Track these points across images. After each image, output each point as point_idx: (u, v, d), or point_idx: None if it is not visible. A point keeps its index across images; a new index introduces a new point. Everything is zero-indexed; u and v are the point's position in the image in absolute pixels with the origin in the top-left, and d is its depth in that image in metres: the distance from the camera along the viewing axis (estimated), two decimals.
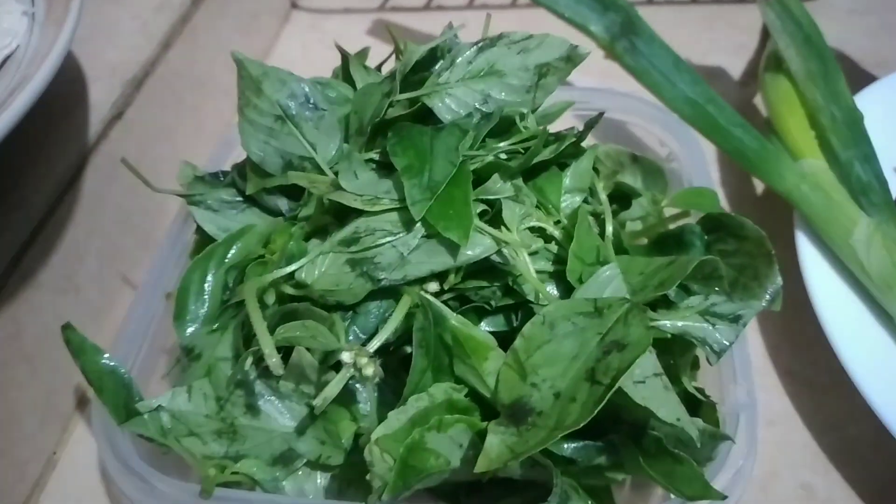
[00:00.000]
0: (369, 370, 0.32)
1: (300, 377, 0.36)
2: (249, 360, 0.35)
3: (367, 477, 0.31)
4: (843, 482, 0.41)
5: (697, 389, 0.38)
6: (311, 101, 0.42)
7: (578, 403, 0.32)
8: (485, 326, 0.38)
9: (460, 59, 0.41)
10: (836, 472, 0.42)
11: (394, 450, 0.32)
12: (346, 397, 0.36)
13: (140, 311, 0.41)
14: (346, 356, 0.32)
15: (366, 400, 0.36)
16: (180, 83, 0.58)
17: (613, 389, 0.31)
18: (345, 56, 0.47)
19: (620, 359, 0.32)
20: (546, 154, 0.40)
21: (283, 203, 0.43)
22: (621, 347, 0.32)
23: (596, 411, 0.31)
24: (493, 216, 0.38)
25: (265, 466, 0.36)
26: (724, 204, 0.57)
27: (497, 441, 0.32)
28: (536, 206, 0.40)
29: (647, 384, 0.32)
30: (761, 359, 0.47)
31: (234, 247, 0.41)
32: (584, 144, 0.41)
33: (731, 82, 0.68)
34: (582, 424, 0.31)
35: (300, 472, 0.37)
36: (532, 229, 0.39)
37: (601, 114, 0.40)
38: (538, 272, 0.38)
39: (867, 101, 0.57)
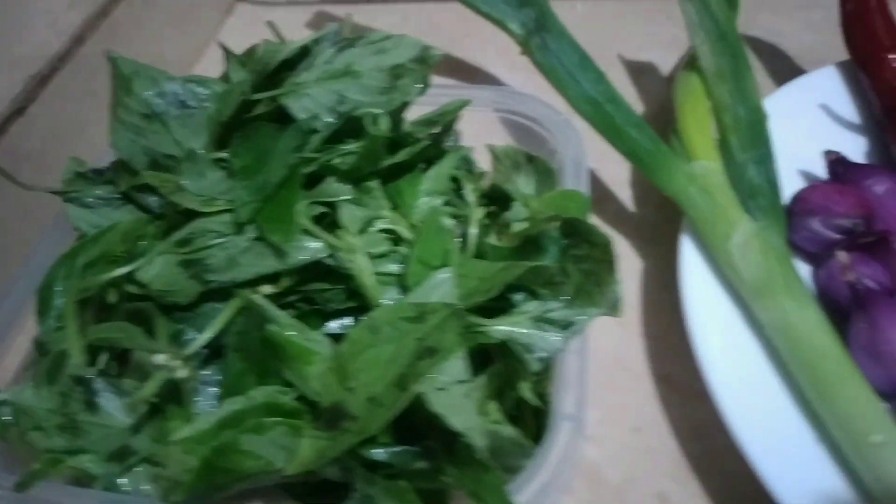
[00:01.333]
0: (182, 373, 0.32)
1: (142, 375, 0.36)
2: (82, 358, 0.35)
3: (157, 477, 0.32)
4: (700, 492, 0.41)
5: (540, 396, 0.37)
6: (181, 99, 0.42)
7: (386, 409, 0.32)
8: (333, 329, 0.38)
9: (319, 59, 0.41)
10: (695, 481, 0.41)
11: (198, 451, 0.32)
12: (182, 396, 0.36)
13: (8, 306, 0.42)
14: (159, 358, 0.32)
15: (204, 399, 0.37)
16: (97, 79, 0.59)
17: (411, 396, 0.31)
18: (227, 53, 0.47)
19: (428, 365, 0.32)
20: (402, 156, 0.40)
21: (153, 201, 0.43)
22: (433, 353, 0.32)
23: (393, 417, 0.31)
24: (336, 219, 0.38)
25: (102, 462, 0.37)
26: (630, 205, 0.56)
27: (308, 444, 0.33)
28: (393, 209, 0.40)
29: (448, 391, 0.32)
30: (639, 364, 0.46)
31: (99, 244, 0.42)
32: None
33: (661, 78, 0.67)
34: (378, 430, 0.31)
35: (140, 469, 0.38)
36: (385, 231, 0.39)
37: (452, 119, 0.40)
38: (386, 275, 0.38)
39: (784, 100, 0.55)
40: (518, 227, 0.46)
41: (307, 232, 0.35)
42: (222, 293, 0.37)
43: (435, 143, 0.41)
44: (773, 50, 0.68)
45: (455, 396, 0.32)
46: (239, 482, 0.34)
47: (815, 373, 0.39)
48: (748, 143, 0.49)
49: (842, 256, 0.43)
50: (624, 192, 0.56)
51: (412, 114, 0.44)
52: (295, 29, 0.75)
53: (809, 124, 0.55)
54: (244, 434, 0.34)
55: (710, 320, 0.43)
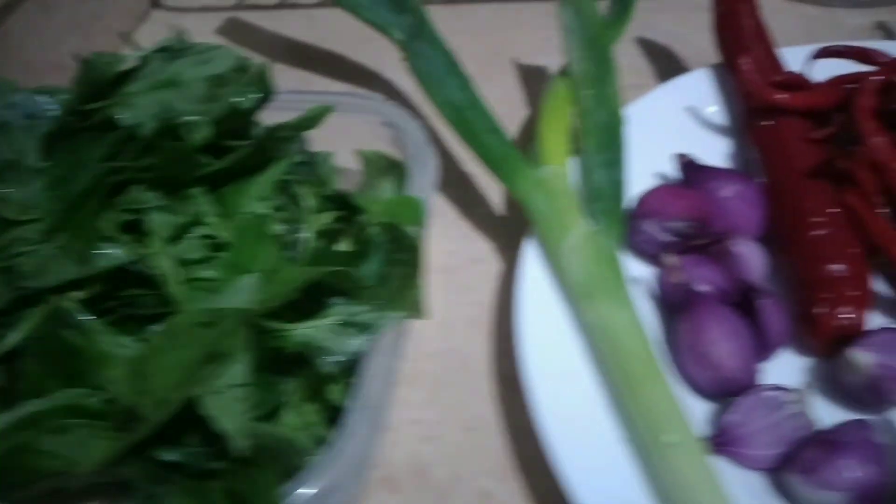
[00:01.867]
0: None
1: None
2: None
3: None
4: (521, 490, 0.42)
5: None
6: (29, 110, 0.44)
7: (171, 412, 0.33)
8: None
9: (147, 68, 0.42)
10: (518, 480, 0.42)
11: None
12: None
13: None
14: None
15: None
16: None
17: (184, 399, 0.32)
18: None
19: (212, 369, 0.33)
20: (224, 163, 0.41)
21: None
22: (218, 358, 0.34)
23: (165, 419, 0.32)
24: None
25: None
26: (499, 209, 0.57)
27: (101, 444, 0.34)
28: (220, 215, 0.41)
29: (222, 394, 0.33)
30: (483, 364, 0.47)
31: None
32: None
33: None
34: (153, 431, 0.32)
35: None
36: (207, 237, 0.40)
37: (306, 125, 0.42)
38: (205, 280, 0.39)
39: (656, 102, 0.56)
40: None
41: (112, 239, 0.37)
42: (36, 300, 0.38)
43: (267, 149, 0.42)
44: (667, 52, 0.69)
45: (228, 399, 0.33)
46: (39, 481, 0.35)
47: (623, 373, 0.40)
48: (600, 146, 0.50)
49: (669, 259, 0.44)
50: (494, 197, 0.57)
51: None
52: (207, 35, 0.76)
53: (680, 126, 0.56)
54: (44, 434, 0.35)
55: (537, 321, 0.43)
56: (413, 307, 0.38)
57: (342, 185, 0.50)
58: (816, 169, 0.48)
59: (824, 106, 0.51)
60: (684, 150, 0.52)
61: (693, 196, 0.46)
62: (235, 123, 0.43)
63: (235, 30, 0.76)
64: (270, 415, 0.38)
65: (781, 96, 0.50)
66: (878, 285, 0.46)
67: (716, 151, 0.54)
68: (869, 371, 0.40)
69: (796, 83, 0.52)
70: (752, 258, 0.45)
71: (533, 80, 0.68)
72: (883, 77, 0.49)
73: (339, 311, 0.37)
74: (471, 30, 0.74)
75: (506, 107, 0.61)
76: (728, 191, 0.48)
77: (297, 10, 0.77)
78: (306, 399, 0.39)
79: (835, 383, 0.42)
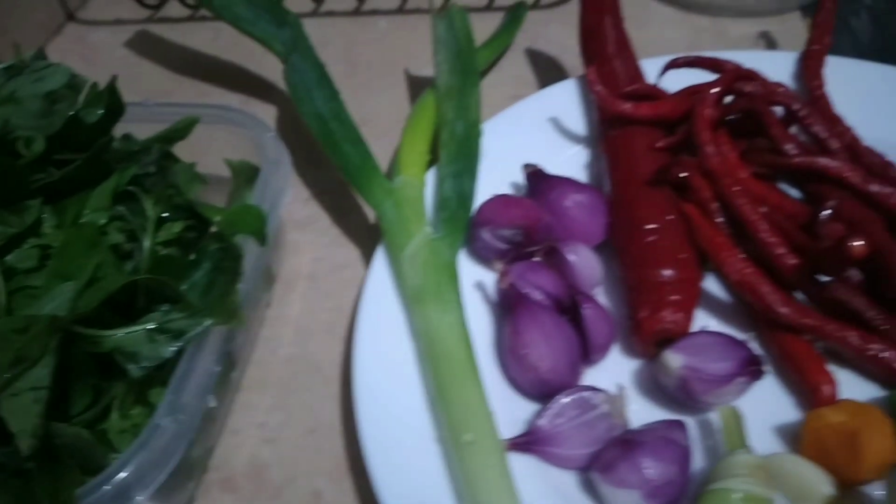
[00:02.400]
0: None
1: None
2: None
3: None
4: (353, 490, 0.43)
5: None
6: None
7: None
8: None
9: None
10: (351, 480, 0.43)
11: None
12: None
13: None
14: None
15: None
16: None
17: None
18: None
19: (18, 373, 0.35)
20: (59, 174, 0.42)
21: None
22: (23, 361, 0.35)
23: None
24: None
25: None
26: (370, 217, 0.58)
27: None
28: (56, 226, 0.43)
29: (20, 396, 0.34)
30: (334, 369, 0.49)
31: None
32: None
33: None
34: None
35: None
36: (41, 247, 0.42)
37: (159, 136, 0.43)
38: (33, 288, 0.40)
39: (523, 112, 0.58)
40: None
41: None
42: None
43: (104, 161, 0.43)
44: (555, 62, 0.70)
45: (24, 401, 0.34)
46: None
47: (438, 374, 0.41)
48: (454, 157, 0.52)
49: (497, 265, 0.45)
50: (367, 206, 0.59)
51: None
52: (116, 48, 0.77)
53: (543, 136, 0.58)
54: None
55: (375, 326, 0.45)
56: (229, 315, 0.39)
57: (216, 193, 0.52)
58: (656, 177, 0.50)
59: (670, 116, 0.52)
60: (545, 160, 0.53)
61: (524, 205, 0.48)
62: (80, 137, 0.45)
63: (144, 42, 0.78)
64: (99, 416, 0.40)
65: (626, 106, 0.52)
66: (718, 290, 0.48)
67: (574, 161, 0.56)
68: (678, 373, 0.42)
69: (647, 94, 0.54)
70: (584, 265, 0.47)
71: (421, 89, 0.69)
72: (720, 88, 0.50)
73: (154, 317, 0.39)
74: (371, 41, 0.75)
75: (396, 115, 0.63)
76: (569, 200, 0.49)
77: (205, 23, 0.79)
78: (133, 402, 0.41)
79: (655, 385, 0.44)
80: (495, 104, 0.60)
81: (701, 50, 0.61)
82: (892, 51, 0.65)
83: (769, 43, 0.70)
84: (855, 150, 0.52)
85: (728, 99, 0.53)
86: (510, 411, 0.43)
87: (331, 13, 0.79)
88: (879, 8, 0.69)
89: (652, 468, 0.38)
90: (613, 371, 0.45)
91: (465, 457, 0.38)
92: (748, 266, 0.45)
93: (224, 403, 0.46)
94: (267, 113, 0.68)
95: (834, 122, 0.54)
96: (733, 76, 0.51)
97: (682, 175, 0.48)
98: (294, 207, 0.59)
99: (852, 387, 0.44)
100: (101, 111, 0.45)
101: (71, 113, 0.42)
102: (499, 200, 0.48)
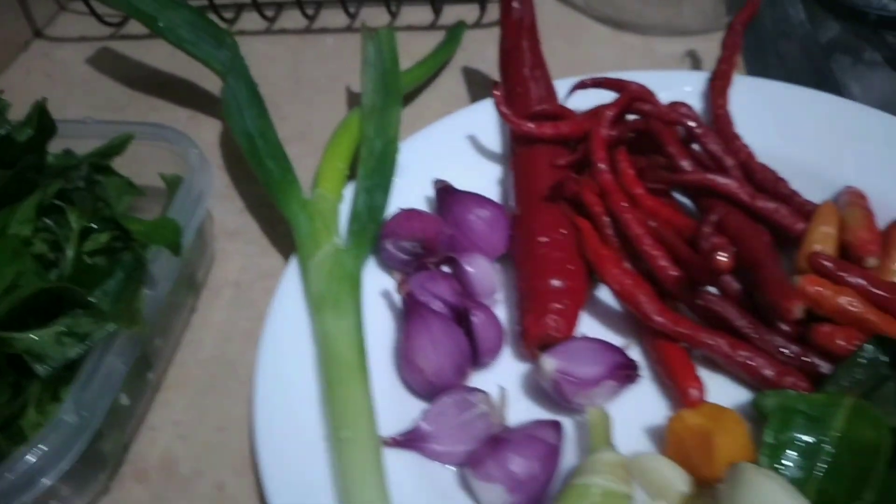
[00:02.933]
0: None
1: None
2: None
3: None
4: (252, 484, 0.46)
5: None
6: None
7: None
8: None
9: None
10: (252, 474, 0.47)
11: None
12: None
13: None
14: None
15: None
16: None
17: None
18: None
19: None
20: None
21: None
22: None
23: None
24: None
25: None
26: None
27: None
28: None
29: None
30: (248, 369, 0.52)
31: None
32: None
33: None
34: None
35: None
36: None
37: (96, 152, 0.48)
38: None
39: (440, 132, 0.61)
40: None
41: None
42: None
43: (29, 177, 0.47)
44: (488, 81, 0.74)
45: None
46: None
47: (328, 375, 0.44)
48: (369, 173, 0.55)
49: (395, 275, 0.49)
50: None
51: None
52: (79, 64, 0.81)
53: (461, 153, 0.61)
54: None
55: (280, 330, 0.48)
56: (132, 320, 0.43)
57: (157, 205, 0.55)
58: (552, 193, 0.53)
59: (572, 135, 0.56)
60: (463, 176, 0.57)
61: (426, 219, 0.51)
62: (11, 155, 0.49)
63: (105, 59, 0.82)
64: (18, 412, 0.43)
65: (529, 126, 0.55)
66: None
67: (490, 178, 0.59)
68: (551, 375, 0.45)
69: (553, 114, 0.57)
70: (481, 275, 0.50)
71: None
72: (615, 109, 0.53)
73: (64, 322, 0.42)
74: (319, 57, 0.79)
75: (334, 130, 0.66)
76: (472, 214, 0.53)
77: (163, 41, 0.82)
78: (50, 399, 0.44)
79: (537, 387, 0.47)
80: (429, 120, 0.63)
81: (628, 68, 0.64)
82: (819, 73, 0.67)
83: (695, 61, 0.73)
84: (749, 167, 0.55)
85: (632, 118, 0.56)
86: (405, 411, 0.46)
87: (282, 31, 0.82)
88: (805, 32, 0.72)
89: (516, 464, 0.41)
90: (503, 374, 0.48)
91: (342, 452, 0.41)
92: (628, 277, 0.48)
93: (140, 401, 0.49)
94: (213, 127, 0.71)
95: (731, 139, 0.56)
96: (628, 97, 0.54)
97: (573, 191, 0.51)
98: (227, 218, 0.62)
99: (728, 392, 0.46)
100: (31, 131, 0.49)
101: (2, 133, 0.46)
102: (403, 214, 0.51)
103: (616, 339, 0.48)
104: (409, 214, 0.51)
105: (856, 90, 0.65)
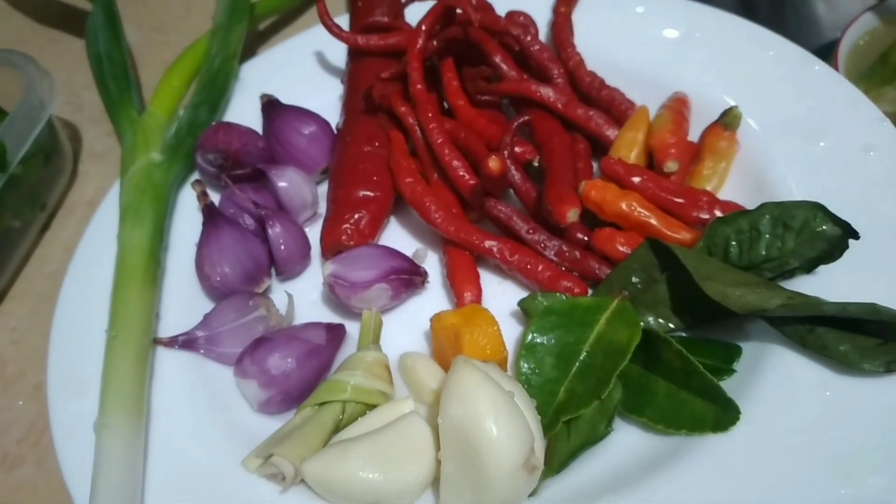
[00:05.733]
0: None
1: None
2: None
3: None
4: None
5: None
6: None
7: None
8: None
9: None
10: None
11: None
12: None
13: None
14: None
15: None
16: None
17: None
18: None
19: None
20: None
21: None
22: None
23: None
24: None
25: None
26: None
27: None
28: None
29: None
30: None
31: None
32: None
33: None
34: None
35: None
36: None
37: None
38: None
39: (289, 49, 0.61)
40: None
41: None
42: None
43: None
44: None
45: None
46: None
47: (115, 280, 0.46)
48: (201, 90, 0.56)
49: (195, 186, 0.50)
50: None
51: None
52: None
53: (314, 70, 0.61)
54: None
55: (94, 241, 0.51)
56: None
57: None
58: (367, 104, 0.53)
59: (401, 47, 0.55)
60: (307, 93, 0.57)
61: (234, 132, 0.52)
62: None
63: None
64: None
65: (357, 39, 0.55)
66: None
67: (333, 94, 0.59)
68: (327, 280, 0.46)
69: (387, 27, 0.57)
70: (292, 188, 0.51)
71: None
72: (430, 20, 0.53)
73: None
74: None
75: None
76: (292, 128, 0.53)
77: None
78: None
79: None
80: None
81: None
82: None
83: None
84: (577, 75, 0.54)
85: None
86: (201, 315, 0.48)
87: None
88: None
89: (269, 362, 0.43)
90: (312, 283, 0.50)
91: (109, 349, 0.43)
92: (419, 185, 0.49)
93: None
94: None
95: (564, 47, 0.55)
96: (442, 8, 0.53)
97: (381, 99, 0.52)
98: (96, 140, 0.65)
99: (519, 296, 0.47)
100: None
101: None
102: (215, 128, 0.52)
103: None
104: (216, 128, 0.52)
105: None
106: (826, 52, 0.57)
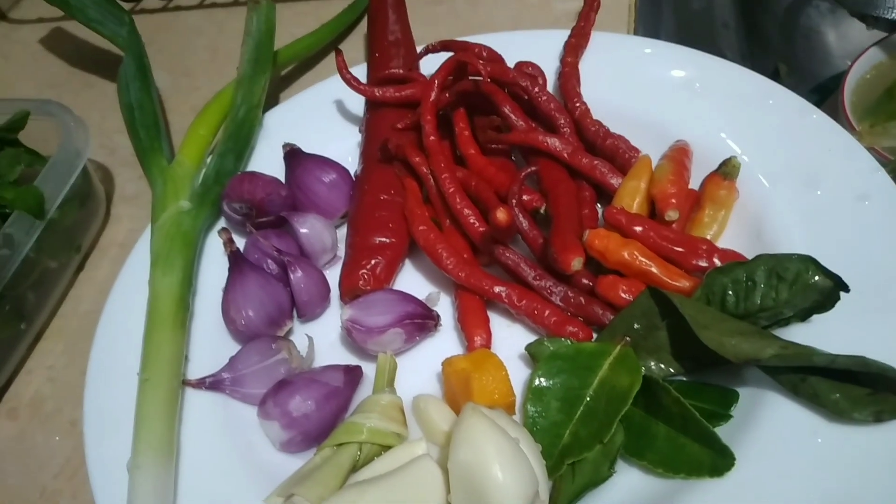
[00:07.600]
0: None
1: None
2: None
3: None
4: None
5: None
6: None
7: None
8: None
9: None
10: None
11: None
12: None
13: None
14: None
15: None
16: None
17: None
18: None
19: None
20: None
21: None
22: None
23: None
24: None
25: None
26: None
27: None
28: None
29: None
30: None
31: None
32: None
33: None
34: None
35: None
36: None
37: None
38: None
39: (311, 98, 0.65)
40: None
41: None
42: None
43: None
44: None
45: None
46: None
47: (147, 325, 0.49)
48: (228, 139, 0.60)
49: (222, 234, 0.53)
50: None
51: None
52: (32, 44, 0.88)
53: (333, 119, 0.64)
54: None
55: (128, 284, 0.54)
56: None
57: None
58: (382, 153, 0.56)
59: (416, 98, 0.58)
60: (326, 142, 0.60)
61: (259, 181, 0.55)
62: None
63: (56, 39, 0.88)
64: None
65: (372, 90, 0.58)
66: None
67: (352, 142, 0.62)
68: (344, 324, 0.48)
69: (402, 78, 0.60)
70: (314, 234, 0.54)
71: None
72: (442, 73, 0.55)
73: None
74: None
75: None
76: (313, 177, 0.56)
77: None
78: None
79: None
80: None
81: (522, 27, 0.66)
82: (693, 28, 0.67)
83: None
84: (582, 124, 0.56)
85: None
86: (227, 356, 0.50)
87: (213, 4, 0.87)
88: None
89: (291, 404, 0.45)
90: (331, 325, 0.52)
91: (141, 391, 0.46)
92: (432, 232, 0.51)
93: (14, 350, 0.56)
94: None
95: (571, 97, 0.58)
96: (454, 61, 0.55)
97: (396, 150, 0.54)
98: (127, 184, 0.68)
99: (528, 339, 0.49)
100: None
101: None
102: (240, 177, 0.55)
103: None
104: (242, 177, 0.55)
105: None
106: (836, 81, 0.59)
